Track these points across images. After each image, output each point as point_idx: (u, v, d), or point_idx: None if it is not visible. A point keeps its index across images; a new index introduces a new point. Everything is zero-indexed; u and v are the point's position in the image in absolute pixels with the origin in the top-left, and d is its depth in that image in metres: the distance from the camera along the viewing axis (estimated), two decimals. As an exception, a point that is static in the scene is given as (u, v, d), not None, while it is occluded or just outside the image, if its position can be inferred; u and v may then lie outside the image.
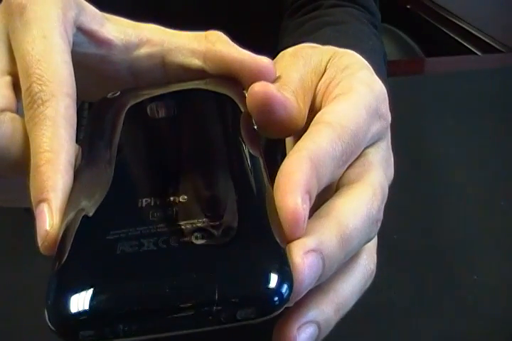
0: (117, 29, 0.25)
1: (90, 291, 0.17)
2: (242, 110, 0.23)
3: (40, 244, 0.19)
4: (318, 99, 0.24)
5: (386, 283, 0.36)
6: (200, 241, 0.17)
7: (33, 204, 0.20)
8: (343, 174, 0.22)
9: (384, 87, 0.24)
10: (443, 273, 0.37)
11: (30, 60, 0.22)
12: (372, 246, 0.24)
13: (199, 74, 0.26)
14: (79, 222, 0.19)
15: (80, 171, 0.21)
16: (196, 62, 0.25)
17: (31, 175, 0.20)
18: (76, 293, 0.17)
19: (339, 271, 0.21)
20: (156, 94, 0.25)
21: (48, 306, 0.18)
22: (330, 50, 0.26)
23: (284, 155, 0.21)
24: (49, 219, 0.19)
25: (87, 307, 0.16)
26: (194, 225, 0.18)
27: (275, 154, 0.21)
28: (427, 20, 0.94)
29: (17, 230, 0.39)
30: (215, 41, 0.25)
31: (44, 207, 0.20)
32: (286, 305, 0.17)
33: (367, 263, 0.23)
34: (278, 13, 0.51)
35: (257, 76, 0.24)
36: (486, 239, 0.40)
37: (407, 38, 0.91)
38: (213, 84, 0.25)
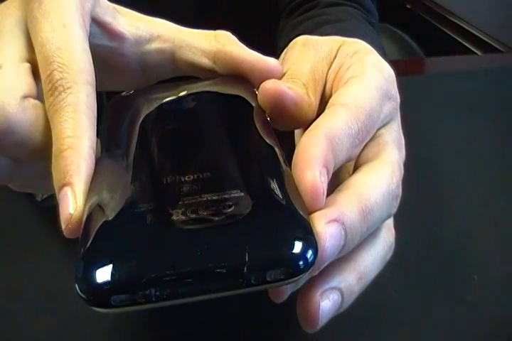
0: (129, 23, 0.26)
1: (121, 257, 0.17)
2: (254, 105, 0.24)
3: (63, 227, 0.20)
4: (328, 86, 0.25)
5: (386, 283, 0.36)
6: (228, 210, 0.18)
7: (56, 188, 0.20)
8: (360, 154, 0.23)
9: (392, 70, 0.25)
10: (443, 273, 0.37)
11: (51, 49, 0.22)
12: (390, 221, 0.25)
13: (208, 72, 0.27)
14: (104, 201, 0.19)
15: (100, 160, 0.21)
16: (206, 61, 0.26)
17: (54, 160, 0.21)
18: (106, 259, 0.17)
19: (360, 242, 0.22)
20: (170, 91, 0.26)
21: (78, 276, 0.17)
22: (339, 39, 0.26)
23: (292, 146, 0.22)
24: (72, 203, 0.20)
25: (117, 273, 0.17)
26: (221, 196, 0.19)
27: (283, 145, 0.22)
28: (427, 20, 0.94)
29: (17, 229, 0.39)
30: (225, 42, 0.26)
31: (67, 190, 0.20)
32: (311, 271, 0.17)
33: (386, 236, 0.24)
34: (276, 14, 0.51)
35: (266, 76, 0.25)
36: (486, 238, 0.40)
37: (407, 38, 0.91)
38: (224, 82, 0.26)
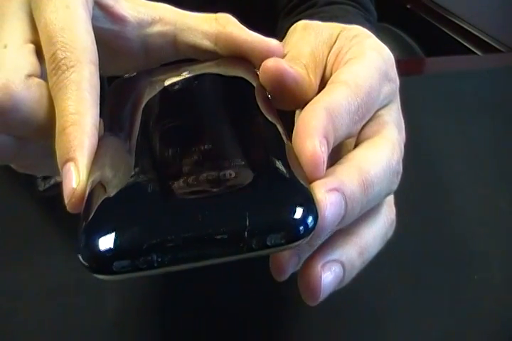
0: (131, 6, 0.26)
1: (122, 225, 0.17)
2: (255, 84, 0.24)
3: (66, 202, 0.20)
4: (328, 69, 0.25)
5: (386, 283, 0.36)
6: (229, 179, 0.18)
7: (60, 164, 0.21)
8: (360, 133, 0.24)
9: (391, 53, 0.25)
10: (443, 273, 0.37)
11: (54, 29, 0.22)
12: (391, 198, 0.25)
13: (209, 54, 0.27)
14: (106, 176, 0.19)
15: (103, 138, 0.22)
16: (207, 43, 0.27)
17: (57, 136, 0.21)
18: (107, 227, 0.17)
19: (361, 217, 0.22)
20: (172, 72, 0.26)
21: (81, 246, 0.18)
22: (339, 25, 0.27)
23: (293, 127, 0.22)
24: (75, 177, 0.20)
25: (119, 239, 0.17)
26: (222, 166, 0.19)
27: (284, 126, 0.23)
28: (427, 20, 0.94)
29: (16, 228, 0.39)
30: (225, 24, 0.26)
31: (71, 165, 0.20)
32: (311, 238, 0.18)
33: (387, 213, 0.24)
34: (274, 15, 0.51)
35: (267, 56, 0.25)
36: (487, 238, 0.40)
37: (407, 38, 0.91)
38: (225, 63, 0.26)
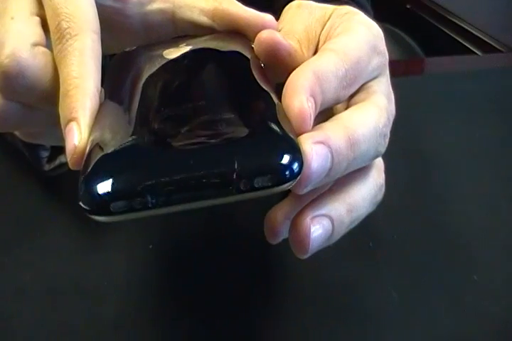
0: None
1: (118, 171, 0.19)
2: (250, 57, 0.25)
3: (68, 159, 0.21)
4: (320, 45, 0.26)
5: (386, 283, 0.36)
6: (220, 129, 0.20)
7: (63, 125, 0.22)
8: (349, 101, 0.25)
9: (380, 29, 0.26)
10: (443, 273, 0.37)
11: (58, 1, 0.23)
12: (381, 164, 0.26)
13: (207, 30, 0.28)
14: (105, 135, 0.21)
15: (104, 103, 0.23)
16: (205, 19, 0.28)
17: (61, 100, 0.22)
18: (105, 173, 0.19)
19: (350, 177, 0.24)
20: (171, 45, 0.27)
21: (81, 192, 0.19)
22: (332, 6, 0.28)
23: None
24: (77, 135, 0.21)
25: (115, 183, 0.18)
26: (213, 118, 0.20)
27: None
28: (427, 20, 0.94)
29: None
30: (222, 0, 0.27)
31: (73, 125, 0.21)
32: (298, 186, 0.19)
33: (376, 176, 0.25)
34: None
35: (262, 30, 0.25)
36: (486, 238, 0.40)
37: (407, 38, 0.91)
38: (222, 37, 0.27)
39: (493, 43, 0.81)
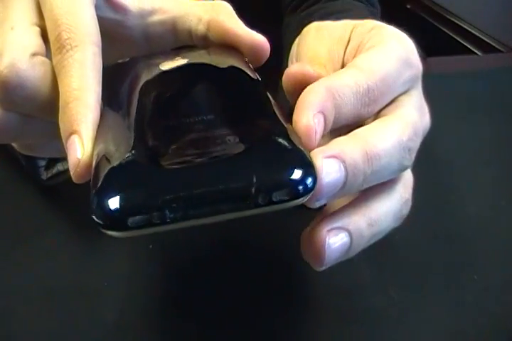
0: None
1: (134, 184, 0.18)
2: (245, 66, 0.25)
3: (72, 172, 0.21)
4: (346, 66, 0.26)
5: (386, 283, 0.36)
6: (234, 142, 0.20)
7: (64, 138, 0.21)
8: (377, 116, 0.24)
9: (411, 40, 0.26)
10: (443, 273, 0.37)
11: (59, 12, 0.23)
12: (409, 179, 0.26)
13: (203, 40, 0.28)
14: (111, 146, 0.20)
15: (103, 115, 0.22)
16: (202, 28, 0.27)
17: (61, 112, 0.22)
18: (120, 187, 0.18)
19: (373, 190, 0.23)
20: (166, 56, 0.27)
21: (94, 206, 0.18)
22: (351, 22, 0.28)
23: None
24: (80, 148, 0.21)
25: (132, 196, 0.18)
26: (226, 132, 0.20)
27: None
28: (427, 20, 0.94)
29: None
30: (219, 11, 0.27)
31: (75, 138, 0.21)
32: (311, 197, 0.19)
33: (402, 191, 0.25)
34: (277, 13, 0.51)
35: (252, 51, 0.26)
36: (487, 238, 0.40)
37: (407, 38, 0.91)
38: (217, 50, 0.27)
39: (493, 43, 0.81)
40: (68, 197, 0.40)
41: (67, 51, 0.22)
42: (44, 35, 0.24)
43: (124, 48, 0.28)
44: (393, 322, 0.34)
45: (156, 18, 0.27)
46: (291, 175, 0.18)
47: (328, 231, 0.22)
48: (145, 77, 0.25)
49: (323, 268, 0.23)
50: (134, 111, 0.22)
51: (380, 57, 0.24)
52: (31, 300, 0.34)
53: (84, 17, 0.23)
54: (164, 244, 0.38)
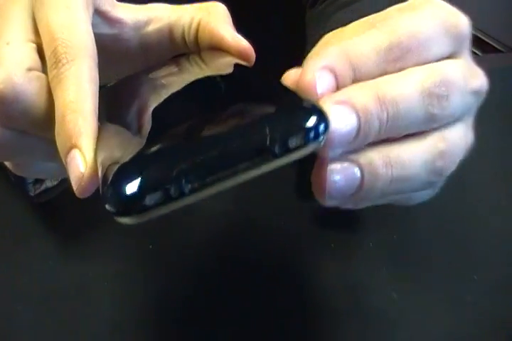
0: (126, 9, 0.27)
1: (144, 164, 0.18)
2: (238, 65, 0.25)
3: (75, 188, 0.20)
4: None
5: (386, 283, 0.36)
6: (241, 112, 0.20)
7: (63, 154, 0.21)
8: None
9: (460, 13, 0.25)
10: (443, 273, 0.37)
11: (55, 27, 0.23)
12: (446, 132, 0.23)
13: (196, 46, 0.28)
14: (114, 152, 0.19)
15: (101, 127, 0.22)
16: (194, 29, 0.27)
17: (57, 126, 0.21)
18: (131, 171, 0.18)
19: (399, 139, 0.22)
20: (159, 68, 0.27)
21: (108, 194, 0.18)
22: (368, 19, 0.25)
23: None
24: (82, 162, 0.20)
25: (146, 174, 0.17)
26: (233, 109, 0.20)
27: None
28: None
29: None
30: (211, 12, 0.27)
31: (75, 152, 0.20)
32: (325, 147, 0.19)
33: (434, 142, 0.23)
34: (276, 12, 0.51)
35: (237, 57, 0.26)
36: (486, 238, 0.40)
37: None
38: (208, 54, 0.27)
39: (493, 43, 0.81)
40: (68, 197, 0.39)
41: (64, 65, 0.22)
42: (40, 52, 0.24)
43: (122, 62, 0.28)
44: (393, 322, 0.34)
45: (152, 27, 0.27)
46: (302, 120, 0.18)
47: (333, 164, 0.21)
48: (139, 88, 0.25)
49: (329, 202, 0.22)
50: (134, 119, 0.22)
51: (407, 17, 0.22)
52: (31, 300, 0.34)
53: (80, 31, 0.23)
54: (164, 244, 0.38)
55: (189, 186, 0.17)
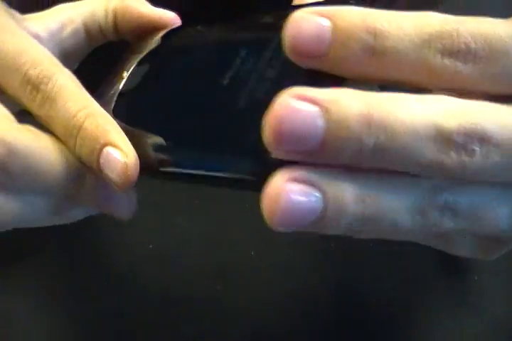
0: (37, 23, 0.26)
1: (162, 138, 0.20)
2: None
3: (121, 182, 0.19)
4: None
5: (386, 283, 0.36)
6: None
7: (92, 160, 0.20)
8: None
9: None
10: (443, 273, 0.37)
11: (13, 56, 0.22)
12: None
13: (115, 34, 0.27)
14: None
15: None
16: (110, 18, 0.27)
17: (74, 142, 0.20)
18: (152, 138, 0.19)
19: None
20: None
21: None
22: None
23: None
24: (121, 154, 0.19)
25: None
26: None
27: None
28: (427, 20, 0.94)
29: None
30: None
31: (108, 149, 0.20)
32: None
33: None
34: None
35: (163, 26, 0.25)
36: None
37: (407, 38, 0.91)
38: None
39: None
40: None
41: (47, 84, 0.21)
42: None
43: None
44: (393, 322, 0.34)
45: (66, 32, 0.26)
46: None
47: (289, 180, 0.15)
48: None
49: (281, 228, 0.17)
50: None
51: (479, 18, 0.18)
52: (31, 300, 0.34)
53: (39, 51, 0.22)
54: (164, 244, 0.38)
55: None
